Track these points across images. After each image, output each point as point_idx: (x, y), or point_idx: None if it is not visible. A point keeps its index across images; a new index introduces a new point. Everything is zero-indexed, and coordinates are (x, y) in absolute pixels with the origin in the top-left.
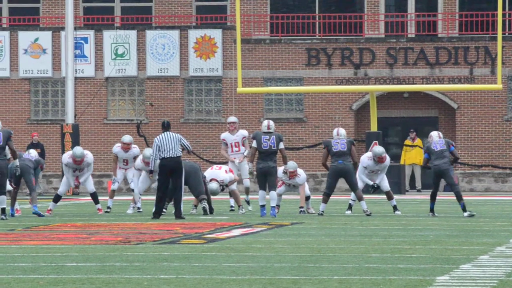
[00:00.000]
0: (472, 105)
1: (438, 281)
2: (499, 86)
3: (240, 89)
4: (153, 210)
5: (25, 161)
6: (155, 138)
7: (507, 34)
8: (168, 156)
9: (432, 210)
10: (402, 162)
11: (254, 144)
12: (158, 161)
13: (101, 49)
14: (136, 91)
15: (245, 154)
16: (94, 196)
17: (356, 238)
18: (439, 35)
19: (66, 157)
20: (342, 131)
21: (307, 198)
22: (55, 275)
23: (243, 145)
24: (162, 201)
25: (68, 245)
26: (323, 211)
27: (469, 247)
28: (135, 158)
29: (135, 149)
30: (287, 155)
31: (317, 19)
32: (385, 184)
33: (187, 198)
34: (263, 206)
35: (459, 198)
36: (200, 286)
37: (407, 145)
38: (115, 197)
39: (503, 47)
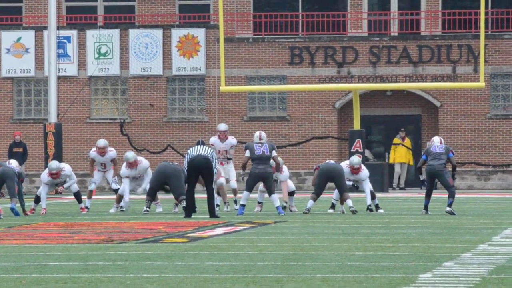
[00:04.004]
0: (455, 103)
1: (421, 279)
2: (481, 84)
3: (223, 87)
4: (185, 213)
5: (10, 168)
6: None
7: (489, 32)
8: (196, 154)
9: (426, 207)
10: (391, 160)
11: (247, 153)
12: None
13: (84, 48)
14: (119, 90)
15: (229, 156)
16: (77, 195)
17: (339, 236)
18: (422, 34)
19: (45, 175)
20: None
21: (292, 193)
22: (38, 274)
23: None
24: (191, 199)
25: (51, 244)
26: (309, 209)
27: (451, 245)
28: (112, 160)
29: (111, 152)
30: (279, 162)
31: (300, 17)
32: (366, 189)
33: (167, 197)
34: (243, 205)
35: (451, 195)
36: (183, 284)
37: (395, 144)
38: (98, 196)
39: (485, 45)
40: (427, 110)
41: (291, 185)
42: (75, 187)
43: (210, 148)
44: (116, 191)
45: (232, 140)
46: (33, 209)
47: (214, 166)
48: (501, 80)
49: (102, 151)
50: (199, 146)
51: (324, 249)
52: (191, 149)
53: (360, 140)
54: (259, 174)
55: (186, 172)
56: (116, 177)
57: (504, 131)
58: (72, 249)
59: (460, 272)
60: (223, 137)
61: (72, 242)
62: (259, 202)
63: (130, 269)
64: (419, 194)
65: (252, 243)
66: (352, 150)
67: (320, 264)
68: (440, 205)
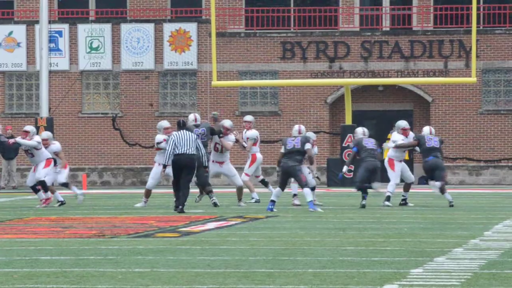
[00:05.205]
0: (446, 98)
1: (412, 274)
2: (473, 79)
3: (215, 82)
4: (175, 205)
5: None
6: (172, 134)
7: (481, 27)
8: (181, 152)
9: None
10: (385, 156)
11: (282, 149)
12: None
13: (75, 43)
14: (110, 85)
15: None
16: (42, 183)
17: (330, 231)
18: (414, 29)
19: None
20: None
21: (313, 189)
22: (29, 268)
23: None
24: (179, 194)
25: (42, 239)
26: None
27: (443, 240)
28: (56, 154)
29: (54, 145)
30: (312, 155)
31: (292, 12)
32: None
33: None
34: (272, 201)
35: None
36: (175, 279)
37: (389, 139)
38: (90, 191)
39: (477, 40)
40: (418, 105)
41: (312, 179)
42: (40, 175)
43: (193, 136)
44: (64, 184)
45: (251, 132)
46: (48, 199)
47: (195, 161)
48: (493, 75)
49: (44, 142)
50: (183, 133)
51: (316, 244)
52: (175, 135)
53: (351, 135)
54: (284, 169)
55: (168, 162)
56: (60, 169)
57: (495, 126)
58: (64, 243)
59: (451, 267)
60: (248, 127)
61: (64, 236)
62: (294, 195)
63: (121, 264)
64: (413, 189)
65: (244, 238)
66: (344, 145)
67: (312, 259)
68: (432, 200)
